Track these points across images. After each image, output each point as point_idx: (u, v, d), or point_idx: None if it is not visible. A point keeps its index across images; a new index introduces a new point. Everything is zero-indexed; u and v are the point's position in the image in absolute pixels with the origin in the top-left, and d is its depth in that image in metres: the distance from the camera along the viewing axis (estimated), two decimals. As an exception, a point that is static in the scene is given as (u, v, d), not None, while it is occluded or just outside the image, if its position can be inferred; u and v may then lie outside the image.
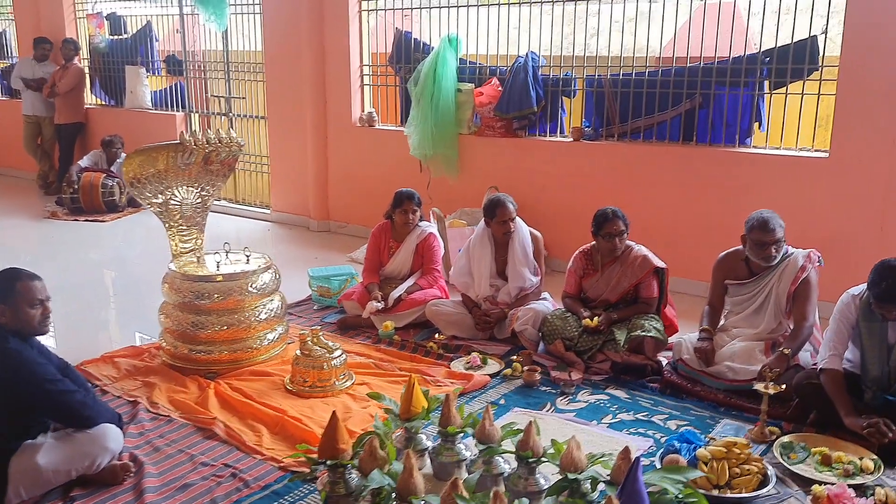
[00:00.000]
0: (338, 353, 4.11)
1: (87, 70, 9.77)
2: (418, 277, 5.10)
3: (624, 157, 5.91)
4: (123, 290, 6.18)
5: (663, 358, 4.33)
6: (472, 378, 4.13)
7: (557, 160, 6.19)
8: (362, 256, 6.50)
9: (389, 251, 5.17)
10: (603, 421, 3.76)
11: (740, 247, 4.15)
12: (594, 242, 4.56)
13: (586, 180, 6.04)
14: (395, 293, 4.95)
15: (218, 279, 4.24)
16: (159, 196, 4.41)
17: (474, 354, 4.40)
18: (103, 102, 9.92)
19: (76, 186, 8.25)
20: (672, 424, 3.72)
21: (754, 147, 5.55)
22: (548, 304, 4.76)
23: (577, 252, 4.63)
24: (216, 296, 4.20)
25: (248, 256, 4.48)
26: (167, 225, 4.50)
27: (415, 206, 5.04)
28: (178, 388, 4.09)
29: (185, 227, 4.56)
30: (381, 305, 4.87)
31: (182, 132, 4.35)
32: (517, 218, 4.75)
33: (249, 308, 4.30)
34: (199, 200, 4.60)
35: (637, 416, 3.81)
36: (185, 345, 4.28)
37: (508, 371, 4.26)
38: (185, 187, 4.50)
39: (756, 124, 5.53)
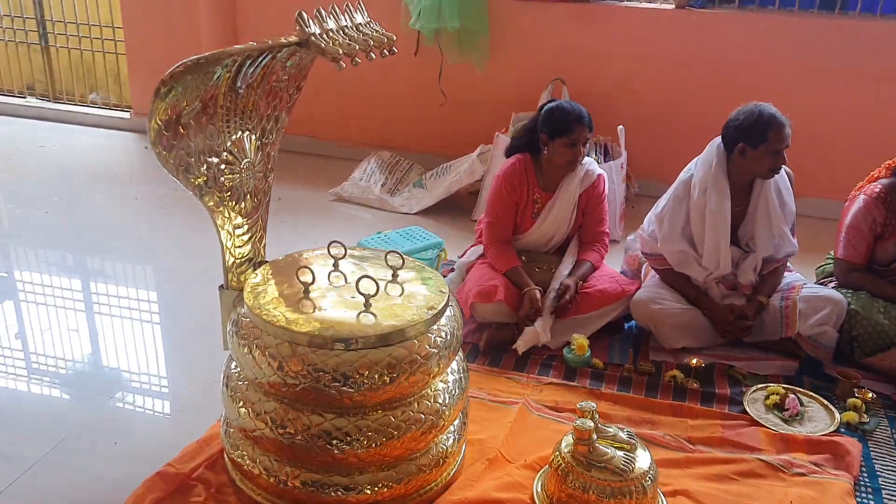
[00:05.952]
0: (644, 454, 2.11)
1: None
2: (578, 249, 3.11)
3: (753, 32, 4.20)
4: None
5: None
6: (844, 451, 2.36)
7: (650, 38, 4.31)
8: (353, 192, 4.26)
9: (534, 208, 3.06)
10: None
11: None
12: (889, 180, 2.92)
13: (695, 68, 4.26)
14: (560, 283, 2.94)
15: (362, 338, 1.91)
16: (213, 156, 1.93)
17: (792, 396, 2.62)
18: None
19: None
20: None
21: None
22: (800, 277, 3.08)
23: (864, 198, 2.94)
24: (373, 375, 1.90)
25: (394, 269, 2.19)
26: (218, 210, 2.04)
27: (588, 132, 2.95)
28: None
29: (237, 211, 2.12)
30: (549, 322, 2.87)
31: (302, 14, 1.83)
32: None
33: (431, 388, 2.06)
34: (260, 154, 2.16)
35: None
36: (302, 471, 1.97)
37: (852, 417, 2.57)
38: (242, 131, 2.04)
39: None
